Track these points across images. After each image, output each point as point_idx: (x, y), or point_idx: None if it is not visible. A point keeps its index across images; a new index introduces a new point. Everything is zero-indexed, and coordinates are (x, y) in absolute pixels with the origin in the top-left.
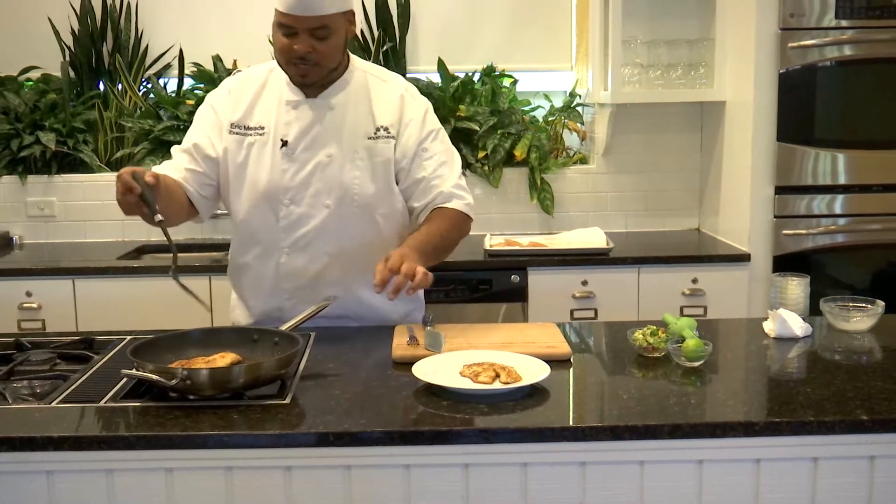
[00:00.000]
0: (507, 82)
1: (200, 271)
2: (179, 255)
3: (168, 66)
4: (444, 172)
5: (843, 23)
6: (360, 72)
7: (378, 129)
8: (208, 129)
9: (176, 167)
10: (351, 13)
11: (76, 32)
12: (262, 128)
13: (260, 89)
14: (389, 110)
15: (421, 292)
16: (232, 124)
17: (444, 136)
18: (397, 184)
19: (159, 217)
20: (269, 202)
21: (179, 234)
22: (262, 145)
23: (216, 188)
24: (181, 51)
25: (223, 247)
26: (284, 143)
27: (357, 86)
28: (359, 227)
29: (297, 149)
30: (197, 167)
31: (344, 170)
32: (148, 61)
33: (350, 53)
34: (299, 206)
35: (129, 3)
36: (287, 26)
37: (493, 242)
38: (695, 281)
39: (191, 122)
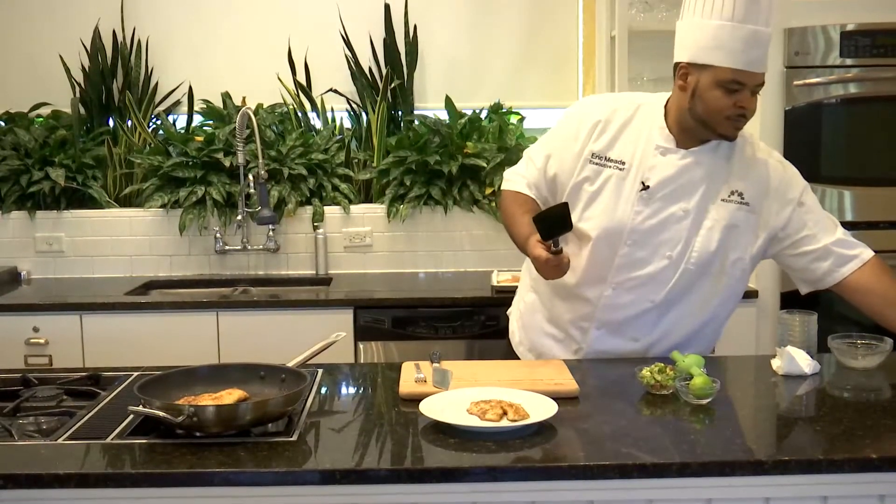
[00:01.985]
0: (514, 119)
1: (209, 307)
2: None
3: (178, 102)
4: (825, 225)
5: (848, 61)
6: None
7: (732, 193)
8: (565, 154)
9: (529, 184)
10: None
11: (86, 69)
12: (623, 163)
13: (626, 124)
14: (750, 176)
15: None
16: (593, 154)
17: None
18: (784, 253)
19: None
20: (612, 236)
21: (189, 269)
22: (620, 180)
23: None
24: (191, 88)
25: (231, 282)
26: (646, 187)
27: (724, 146)
28: (689, 284)
29: (657, 195)
30: (542, 188)
31: (692, 227)
32: (157, 98)
33: None
34: (641, 249)
35: (139, 40)
36: (737, 82)
37: (501, 279)
38: None
39: (199, 160)
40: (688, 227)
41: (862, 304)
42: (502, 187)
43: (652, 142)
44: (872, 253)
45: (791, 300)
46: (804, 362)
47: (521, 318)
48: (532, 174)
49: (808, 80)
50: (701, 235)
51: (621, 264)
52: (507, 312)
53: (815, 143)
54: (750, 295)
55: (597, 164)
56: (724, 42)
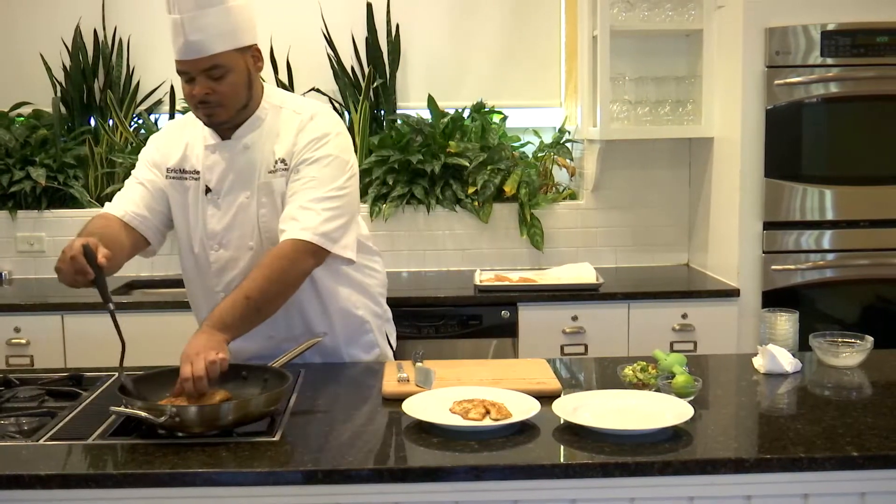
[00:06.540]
0: (496, 118)
1: (163, 308)
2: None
3: (159, 101)
4: (302, 195)
5: (829, 60)
6: (275, 107)
7: (277, 163)
8: (153, 167)
9: (133, 200)
10: (253, 49)
11: (67, 68)
12: (197, 172)
13: (185, 133)
14: (288, 141)
15: (382, 334)
16: (168, 169)
17: (333, 162)
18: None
19: (112, 306)
20: (202, 247)
21: (171, 268)
22: (196, 190)
23: (170, 220)
24: (172, 87)
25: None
26: (208, 190)
27: (270, 122)
28: None
29: (220, 193)
30: (153, 201)
31: (260, 210)
32: (139, 97)
33: (270, 89)
34: (227, 249)
35: (120, 39)
36: (184, 72)
37: (484, 278)
38: (684, 316)
39: None
40: (254, 212)
41: None
42: None
43: (205, 143)
44: (292, 235)
45: (773, 299)
46: (786, 360)
47: None
48: (139, 194)
49: (788, 80)
50: (263, 214)
51: (217, 270)
52: None
53: (795, 143)
54: (731, 293)
55: (175, 178)
56: (171, 36)
